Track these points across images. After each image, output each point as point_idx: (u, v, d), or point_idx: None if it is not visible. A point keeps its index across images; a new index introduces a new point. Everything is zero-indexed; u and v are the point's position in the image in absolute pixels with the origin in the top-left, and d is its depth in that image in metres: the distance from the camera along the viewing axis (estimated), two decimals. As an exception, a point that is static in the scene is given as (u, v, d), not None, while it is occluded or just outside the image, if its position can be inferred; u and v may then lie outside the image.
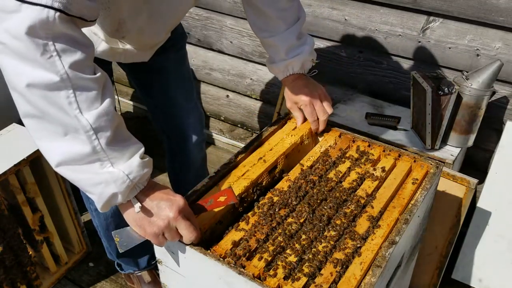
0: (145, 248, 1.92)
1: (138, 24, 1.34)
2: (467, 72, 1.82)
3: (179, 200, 1.04)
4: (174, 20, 1.48)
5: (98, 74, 0.96)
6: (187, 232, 1.04)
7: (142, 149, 1.03)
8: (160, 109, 1.78)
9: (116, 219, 1.79)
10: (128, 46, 1.44)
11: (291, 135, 1.46)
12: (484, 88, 1.75)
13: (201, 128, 1.88)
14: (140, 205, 1.01)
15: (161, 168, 2.77)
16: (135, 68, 1.64)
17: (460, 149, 1.88)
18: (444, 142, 1.89)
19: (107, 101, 0.96)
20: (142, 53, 1.51)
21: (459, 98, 1.78)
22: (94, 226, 1.88)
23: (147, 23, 1.36)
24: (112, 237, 1.72)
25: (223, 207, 1.17)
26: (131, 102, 3.22)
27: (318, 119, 1.47)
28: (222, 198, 1.12)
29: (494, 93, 1.80)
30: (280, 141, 1.44)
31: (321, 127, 1.49)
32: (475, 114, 1.81)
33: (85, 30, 0.98)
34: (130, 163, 0.98)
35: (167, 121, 1.81)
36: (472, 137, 1.89)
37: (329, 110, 1.48)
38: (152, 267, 2.04)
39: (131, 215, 1.04)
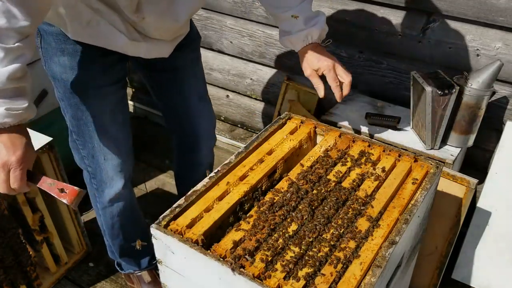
0: (148, 249, 1.93)
1: (158, 5, 1.34)
2: (467, 72, 1.82)
3: (19, 154, 1.14)
4: (194, 3, 1.47)
5: (13, 45, 1.08)
6: (16, 179, 1.15)
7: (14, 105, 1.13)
8: (173, 108, 1.79)
9: (122, 219, 1.80)
10: (148, 38, 1.43)
11: (290, 140, 1.46)
12: (484, 88, 1.75)
13: (212, 131, 1.89)
14: None
15: (161, 168, 2.77)
16: (151, 67, 1.65)
17: (460, 149, 1.88)
18: (444, 142, 1.89)
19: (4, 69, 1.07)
20: (163, 46, 1.50)
21: (459, 98, 1.78)
22: (98, 224, 1.89)
23: (166, 4, 1.36)
24: (116, 236, 1.76)
25: (52, 194, 1.20)
26: (131, 102, 3.22)
27: (340, 84, 1.51)
28: (64, 191, 1.17)
29: (494, 93, 1.80)
30: (280, 144, 1.44)
31: (345, 91, 1.53)
32: (475, 114, 1.81)
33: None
34: None
35: (180, 121, 1.82)
36: (472, 137, 1.88)
37: (350, 74, 1.53)
38: (153, 267, 2.04)
39: None
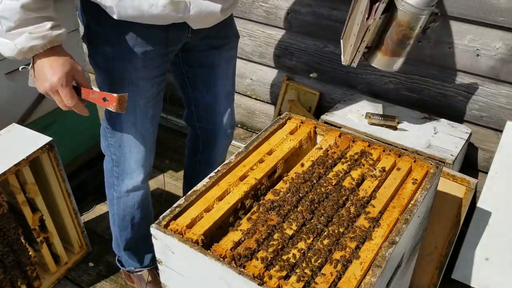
0: (150, 242, 1.94)
1: None
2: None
3: (59, 75, 1.27)
4: None
5: None
6: (66, 98, 1.29)
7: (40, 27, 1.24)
8: (200, 103, 1.82)
9: (134, 212, 1.82)
10: None
11: (290, 140, 1.46)
12: (421, 6, 1.49)
13: (231, 131, 1.91)
14: (27, 66, 1.32)
15: (161, 168, 2.77)
16: (189, 62, 1.69)
17: (460, 148, 1.88)
18: (368, 61, 1.70)
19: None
20: (211, 8, 1.45)
21: (393, 14, 1.55)
22: (109, 214, 1.90)
23: None
24: (125, 228, 1.81)
25: (99, 105, 1.33)
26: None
27: None
28: (106, 99, 1.28)
29: (436, 14, 1.58)
30: (280, 144, 1.44)
31: None
32: (405, 35, 1.56)
33: None
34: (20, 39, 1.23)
35: (205, 116, 1.85)
36: (399, 62, 1.66)
37: None
38: (153, 266, 2.04)
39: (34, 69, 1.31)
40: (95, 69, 1.56)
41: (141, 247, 1.96)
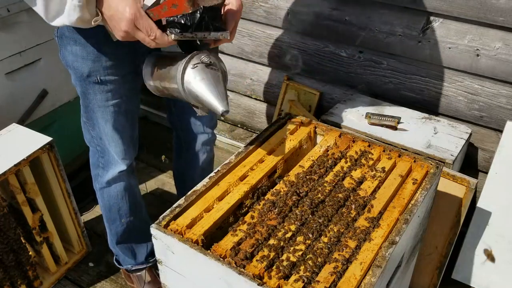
0: (144, 236, 1.94)
1: None
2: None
3: (129, 11, 1.16)
4: None
5: None
6: (147, 28, 1.18)
7: None
8: (178, 104, 1.81)
9: (120, 203, 1.83)
10: None
11: (290, 140, 1.46)
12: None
13: (212, 128, 1.91)
14: (95, 18, 1.22)
15: (161, 168, 2.77)
16: None
17: (460, 148, 1.88)
18: None
19: None
20: None
21: None
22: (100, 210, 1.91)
23: None
24: (113, 220, 1.82)
25: (173, 16, 1.18)
26: (131, 102, 3.22)
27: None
28: (174, 6, 1.16)
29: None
30: (280, 144, 1.44)
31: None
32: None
33: None
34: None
35: (183, 116, 1.84)
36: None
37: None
38: (151, 264, 2.04)
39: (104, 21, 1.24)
40: (67, 67, 1.56)
41: (133, 241, 1.97)
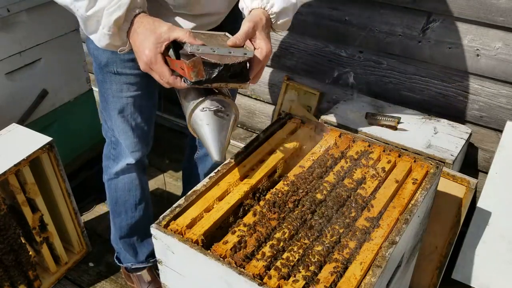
0: (147, 234, 1.94)
1: None
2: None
3: (147, 54, 1.16)
4: None
5: None
6: (159, 75, 1.18)
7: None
8: None
9: (126, 195, 1.85)
10: None
11: (290, 140, 1.46)
12: None
13: None
14: (121, 48, 1.23)
15: (161, 168, 2.77)
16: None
17: (460, 148, 1.88)
18: None
19: None
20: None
21: None
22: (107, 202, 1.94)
23: None
24: (118, 214, 1.87)
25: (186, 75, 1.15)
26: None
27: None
28: (183, 68, 1.12)
29: None
30: (280, 144, 1.44)
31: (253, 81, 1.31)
32: None
33: None
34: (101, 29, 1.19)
35: None
36: None
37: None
38: (151, 264, 2.04)
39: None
40: (89, 55, 1.59)
41: (136, 237, 1.97)
